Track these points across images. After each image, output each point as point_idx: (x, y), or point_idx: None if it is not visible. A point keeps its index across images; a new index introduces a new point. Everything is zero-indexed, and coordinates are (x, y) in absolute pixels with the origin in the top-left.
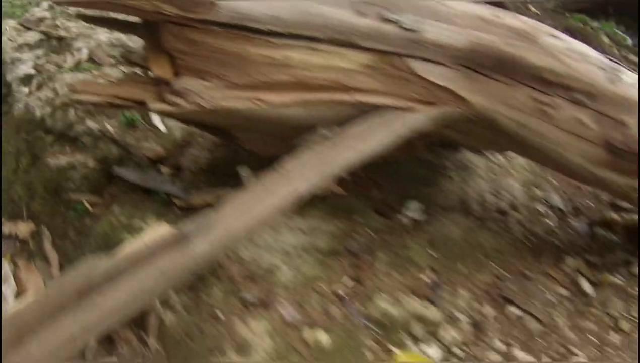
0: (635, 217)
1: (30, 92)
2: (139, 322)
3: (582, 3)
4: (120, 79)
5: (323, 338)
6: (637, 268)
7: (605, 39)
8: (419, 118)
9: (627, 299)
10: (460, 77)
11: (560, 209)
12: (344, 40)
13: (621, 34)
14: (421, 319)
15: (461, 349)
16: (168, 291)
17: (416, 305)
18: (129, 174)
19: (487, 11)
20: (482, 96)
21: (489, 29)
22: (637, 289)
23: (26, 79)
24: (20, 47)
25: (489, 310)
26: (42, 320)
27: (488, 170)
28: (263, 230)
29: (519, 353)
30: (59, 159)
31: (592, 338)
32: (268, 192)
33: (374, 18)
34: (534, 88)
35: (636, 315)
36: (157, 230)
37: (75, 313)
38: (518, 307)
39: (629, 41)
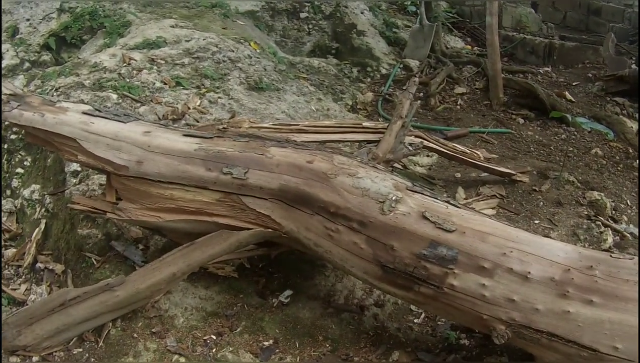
0: None
1: (75, 184)
2: (98, 329)
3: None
4: (95, 199)
5: (182, 361)
6: None
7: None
8: (245, 235)
9: None
10: (277, 208)
11: None
12: (201, 185)
13: None
14: None
15: None
16: (106, 315)
17: (248, 359)
18: (119, 246)
19: (304, 158)
20: (291, 222)
21: (297, 173)
22: None
23: (74, 173)
24: None
25: None
26: (42, 315)
27: None
28: (174, 290)
29: None
30: (84, 230)
31: None
32: (157, 270)
33: (217, 172)
34: (324, 217)
35: None
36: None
37: (59, 315)
38: None
39: None
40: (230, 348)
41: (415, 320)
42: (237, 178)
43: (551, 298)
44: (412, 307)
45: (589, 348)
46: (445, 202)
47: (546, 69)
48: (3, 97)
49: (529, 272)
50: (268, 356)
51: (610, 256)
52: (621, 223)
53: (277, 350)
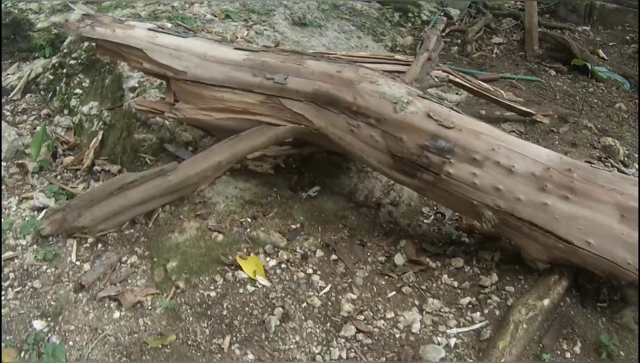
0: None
1: (133, 98)
2: (149, 214)
3: None
4: (155, 101)
5: (220, 238)
6: (458, 260)
7: None
8: (282, 130)
9: (427, 277)
10: (310, 108)
11: (443, 215)
12: (248, 88)
13: None
14: (275, 245)
15: (286, 265)
16: (158, 199)
17: (277, 237)
18: (171, 148)
19: (334, 68)
20: (320, 119)
21: (328, 80)
22: (444, 273)
23: (132, 89)
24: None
25: (319, 252)
26: (101, 198)
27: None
28: (216, 181)
29: (315, 277)
30: (139, 135)
31: (374, 288)
32: (205, 159)
33: (261, 78)
34: (347, 115)
35: (424, 287)
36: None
37: (117, 197)
38: (338, 256)
39: None
40: (262, 229)
41: (425, 221)
42: (278, 83)
43: (531, 190)
44: (423, 210)
45: (565, 240)
46: (449, 107)
47: (585, 27)
48: (78, 16)
49: (513, 166)
50: (294, 236)
51: (590, 165)
52: (631, 168)
53: (303, 232)
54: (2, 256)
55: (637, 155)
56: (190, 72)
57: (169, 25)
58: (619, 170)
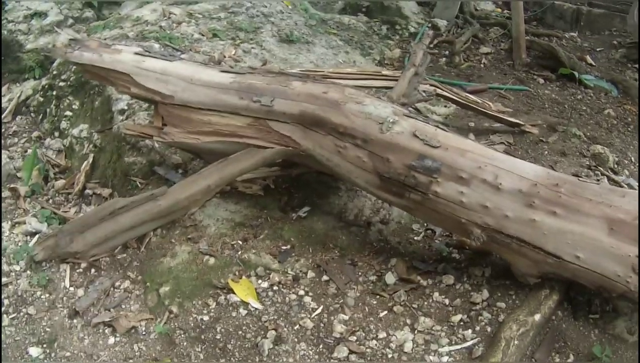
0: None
1: (122, 120)
2: (140, 238)
3: None
4: (144, 125)
5: (211, 261)
6: (449, 276)
7: None
8: (270, 152)
9: (418, 295)
10: (297, 130)
11: (433, 231)
12: (235, 111)
13: None
14: (266, 267)
15: (278, 287)
16: (149, 224)
17: (268, 259)
18: (161, 171)
19: (320, 89)
20: (308, 141)
21: (314, 101)
22: (435, 291)
23: (122, 111)
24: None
25: (310, 273)
26: (93, 223)
27: None
28: (207, 203)
29: (307, 299)
30: (129, 158)
31: (366, 308)
32: (194, 183)
33: (248, 100)
34: (334, 136)
35: (415, 305)
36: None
37: (108, 223)
38: (329, 276)
39: None
40: (254, 251)
41: (415, 238)
42: (265, 105)
43: (519, 207)
44: (413, 227)
45: (554, 255)
46: (435, 126)
47: (572, 34)
48: (66, 41)
49: (500, 184)
50: (285, 257)
51: (578, 179)
52: (621, 176)
53: (294, 254)
54: None
55: (627, 162)
56: (178, 96)
57: (156, 46)
58: (609, 178)
